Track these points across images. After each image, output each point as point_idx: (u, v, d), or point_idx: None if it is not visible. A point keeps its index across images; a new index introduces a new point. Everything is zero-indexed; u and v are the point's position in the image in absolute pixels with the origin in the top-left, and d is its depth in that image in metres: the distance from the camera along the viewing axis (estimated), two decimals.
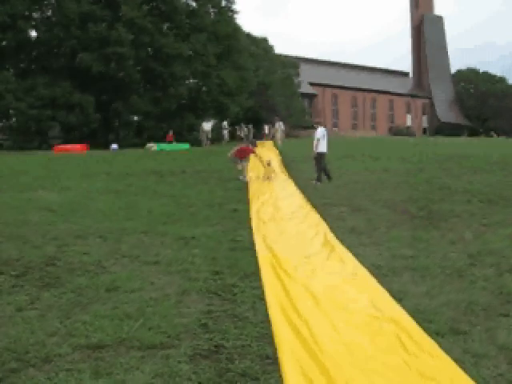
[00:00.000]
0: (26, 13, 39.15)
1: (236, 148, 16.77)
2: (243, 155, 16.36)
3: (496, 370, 3.99)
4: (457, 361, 4.06)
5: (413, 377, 3.89)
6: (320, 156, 15.29)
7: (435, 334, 4.61)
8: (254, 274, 6.46)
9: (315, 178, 15.20)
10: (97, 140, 39.22)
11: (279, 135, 33.13)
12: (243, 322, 4.94)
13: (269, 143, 33.76)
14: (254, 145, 17.83)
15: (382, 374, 3.94)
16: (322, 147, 15.27)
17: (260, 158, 17.02)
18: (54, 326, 4.77)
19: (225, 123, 44.42)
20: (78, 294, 5.68)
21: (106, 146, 37.20)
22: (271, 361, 4.14)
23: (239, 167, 16.40)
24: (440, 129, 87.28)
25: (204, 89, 45.09)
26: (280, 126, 35.44)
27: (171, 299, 5.58)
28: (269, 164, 16.96)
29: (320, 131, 15.57)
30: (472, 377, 3.81)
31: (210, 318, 5.06)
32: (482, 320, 5.03)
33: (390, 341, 4.51)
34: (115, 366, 4.01)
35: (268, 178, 16.14)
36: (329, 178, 15.24)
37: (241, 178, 15.97)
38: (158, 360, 4.14)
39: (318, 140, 15.35)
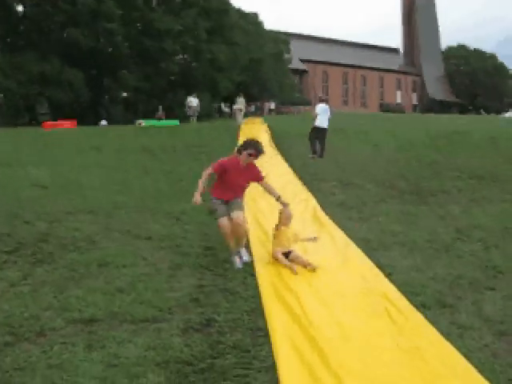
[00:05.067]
0: None
1: (211, 168, 6.11)
2: (232, 194, 6.25)
3: (481, 341, 4.09)
4: (443, 332, 4.16)
5: (399, 341, 3.98)
6: (315, 130, 15.40)
7: (422, 307, 4.70)
8: (245, 249, 6.52)
9: (315, 153, 15.36)
10: (86, 116, 38.93)
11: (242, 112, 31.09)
12: (234, 296, 5.02)
13: (258, 120, 33.55)
14: (258, 152, 6.11)
15: (370, 341, 4.05)
16: (320, 122, 15.37)
17: (279, 199, 6.34)
18: (48, 301, 4.82)
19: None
20: (70, 270, 5.72)
21: (95, 122, 36.96)
22: (262, 333, 4.22)
23: (227, 234, 6.16)
24: (430, 106, 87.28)
25: (194, 64, 44.77)
26: (242, 102, 31.97)
27: (163, 274, 5.64)
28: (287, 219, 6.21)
29: (320, 107, 15.75)
30: (458, 348, 3.90)
31: (201, 292, 5.13)
32: (468, 293, 5.14)
33: (377, 310, 4.61)
34: (108, 339, 4.07)
35: (296, 257, 5.98)
36: (321, 154, 15.28)
37: (237, 260, 6.11)
38: (151, 333, 4.21)
39: (316, 115, 15.53)
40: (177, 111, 38.65)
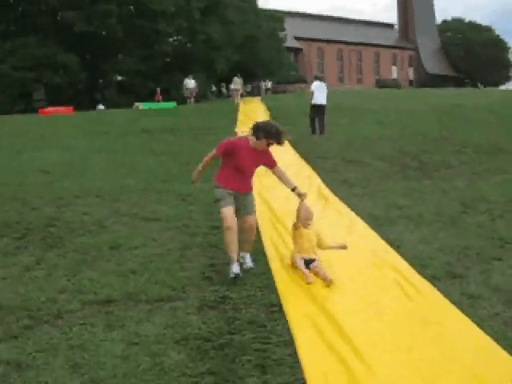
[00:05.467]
0: None
1: (215, 151, 5.24)
2: (239, 181, 5.24)
3: (492, 310, 4.17)
4: (454, 303, 4.23)
5: (409, 315, 4.06)
6: (314, 108, 15.43)
7: (432, 278, 4.78)
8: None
9: (314, 132, 15.42)
10: (82, 101, 38.75)
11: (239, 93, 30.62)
12: (246, 273, 5.08)
13: (256, 100, 33.44)
14: (278, 140, 5.18)
15: (383, 311, 4.16)
16: (317, 99, 15.36)
17: (295, 190, 5.36)
18: (62, 284, 4.88)
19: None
20: (82, 253, 5.78)
21: (91, 106, 36.78)
22: (276, 309, 4.29)
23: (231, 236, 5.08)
24: (426, 80, 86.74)
25: (189, 45, 44.48)
26: (239, 82, 31.32)
27: (173, 254, 5.71)
28: (307, 219, 5.22)
29: (315, 84, 15.72)
30: (470, 317, 3.98)
31: (213, 270, 5.20)
32: (476, 264, 5.22)
33: (391, 284, 4.68)
34: (126, 319, 4.14)
35: (316, 267, 4.99)
36: (321, 131, 15.30)
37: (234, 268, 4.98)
38: (167, 312, 4.27)
39: (312, 93, 15.48)
40: (173, 93, 38.45)
